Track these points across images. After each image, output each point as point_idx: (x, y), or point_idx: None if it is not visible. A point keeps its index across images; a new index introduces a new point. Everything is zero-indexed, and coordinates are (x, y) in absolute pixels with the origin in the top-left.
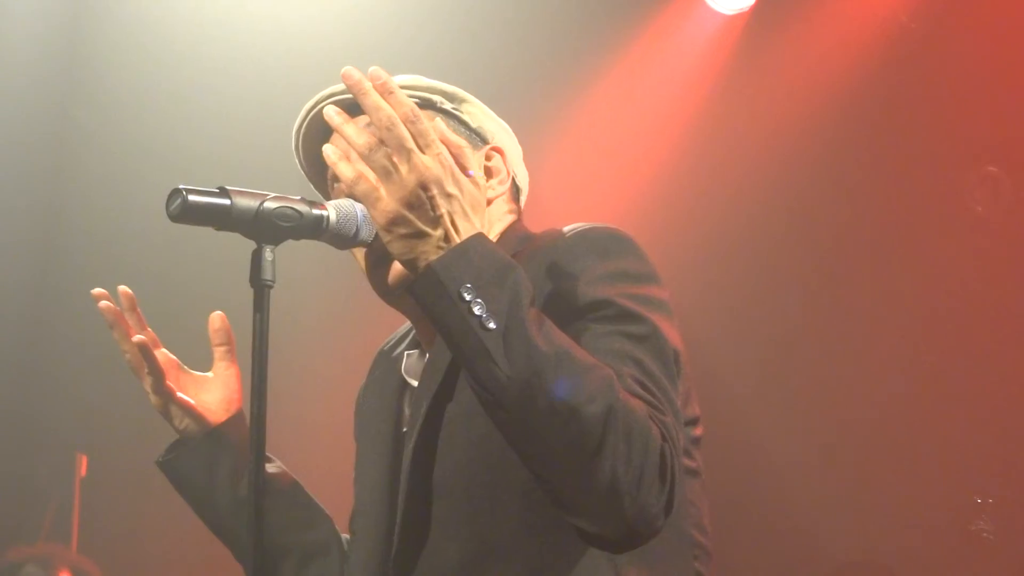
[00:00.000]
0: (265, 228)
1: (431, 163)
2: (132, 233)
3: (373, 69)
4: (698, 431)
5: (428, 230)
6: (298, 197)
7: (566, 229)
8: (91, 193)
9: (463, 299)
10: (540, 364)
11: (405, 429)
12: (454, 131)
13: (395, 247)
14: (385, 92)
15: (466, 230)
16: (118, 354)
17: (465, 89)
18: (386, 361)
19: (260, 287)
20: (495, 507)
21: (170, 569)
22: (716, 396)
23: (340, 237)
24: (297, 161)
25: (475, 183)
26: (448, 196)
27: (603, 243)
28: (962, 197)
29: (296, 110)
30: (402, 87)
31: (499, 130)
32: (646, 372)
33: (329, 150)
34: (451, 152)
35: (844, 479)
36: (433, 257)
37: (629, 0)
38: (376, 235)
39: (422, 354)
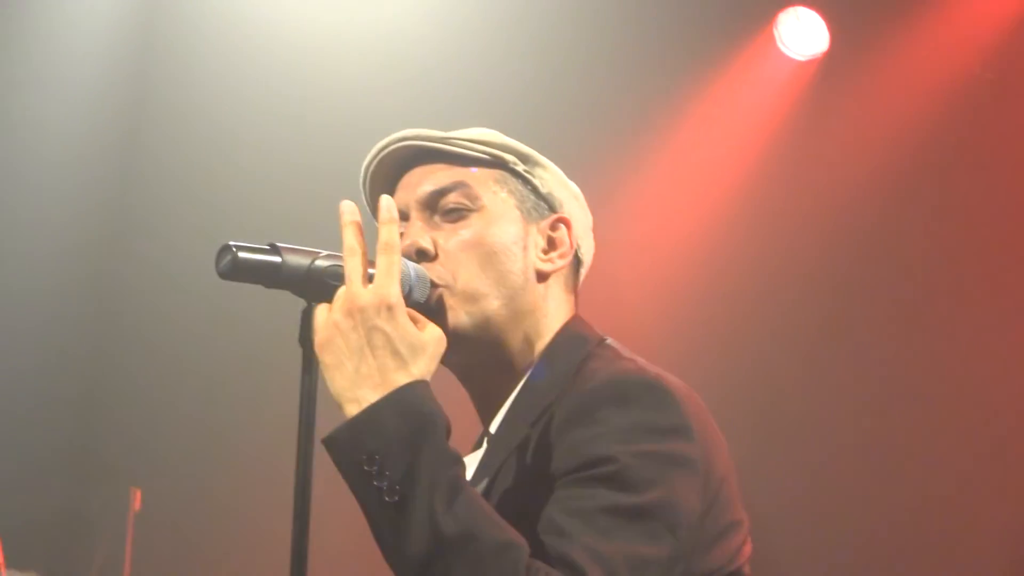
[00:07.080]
0: (316, 286)
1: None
2: (183, 285)
3: None
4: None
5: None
6: None
7: (605, 374)
8: (146, 241)
9: (366, 466)
10: (440, 547)
11: None
12: (522, 196)
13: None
14: None
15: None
16: (172, 390)
17: (535, 129)
18: None
19: (310, 347)
20: None
21: None
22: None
23: None
24: (369, 209)
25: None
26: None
27: (629, 391)
28: None
29: (349, 167)
30: (477, 142)
31: (570, 198)
32: (610, 544)
33: None
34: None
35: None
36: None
37: (704, 46)
38: (429, 296)
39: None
